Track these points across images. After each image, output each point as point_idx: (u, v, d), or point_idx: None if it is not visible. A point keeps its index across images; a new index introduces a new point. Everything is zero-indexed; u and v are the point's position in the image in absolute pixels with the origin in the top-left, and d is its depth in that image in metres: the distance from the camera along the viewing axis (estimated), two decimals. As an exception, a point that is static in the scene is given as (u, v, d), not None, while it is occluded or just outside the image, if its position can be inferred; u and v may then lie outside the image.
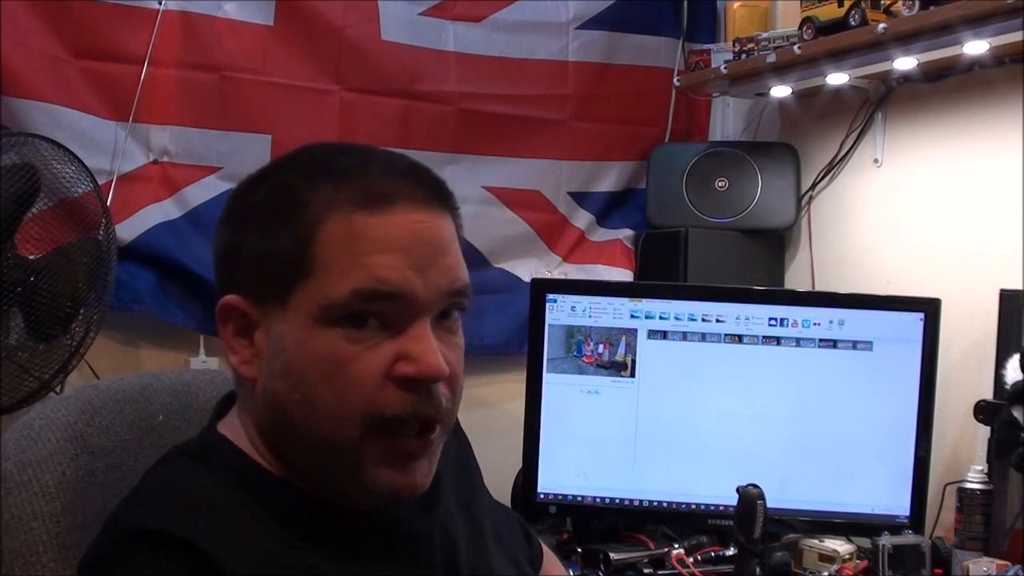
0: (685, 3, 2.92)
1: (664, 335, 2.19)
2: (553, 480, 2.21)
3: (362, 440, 0.95)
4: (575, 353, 2.20)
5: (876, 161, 2.53)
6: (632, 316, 2.19)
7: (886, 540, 1.98)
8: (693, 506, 2.19)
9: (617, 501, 2.20)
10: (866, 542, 2.07)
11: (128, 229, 2.30)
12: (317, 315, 0.94)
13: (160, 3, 2.33)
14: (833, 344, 2.17)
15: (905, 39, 2.13)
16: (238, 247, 0.99)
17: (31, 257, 1.96)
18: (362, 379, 0.94)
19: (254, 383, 0.99)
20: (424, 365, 0.94)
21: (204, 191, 2.41)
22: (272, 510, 0.96)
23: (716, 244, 2.66)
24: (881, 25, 2.11)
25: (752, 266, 2.68)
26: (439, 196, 1.00)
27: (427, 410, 0.96)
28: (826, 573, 2.06)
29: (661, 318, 2.19)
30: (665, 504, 2.19)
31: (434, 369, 0.95)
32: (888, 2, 2.14)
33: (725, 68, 2.51)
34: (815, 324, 2.17)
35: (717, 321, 2.19)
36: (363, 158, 1.00)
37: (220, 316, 0.99)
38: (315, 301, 0.94)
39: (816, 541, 2.12)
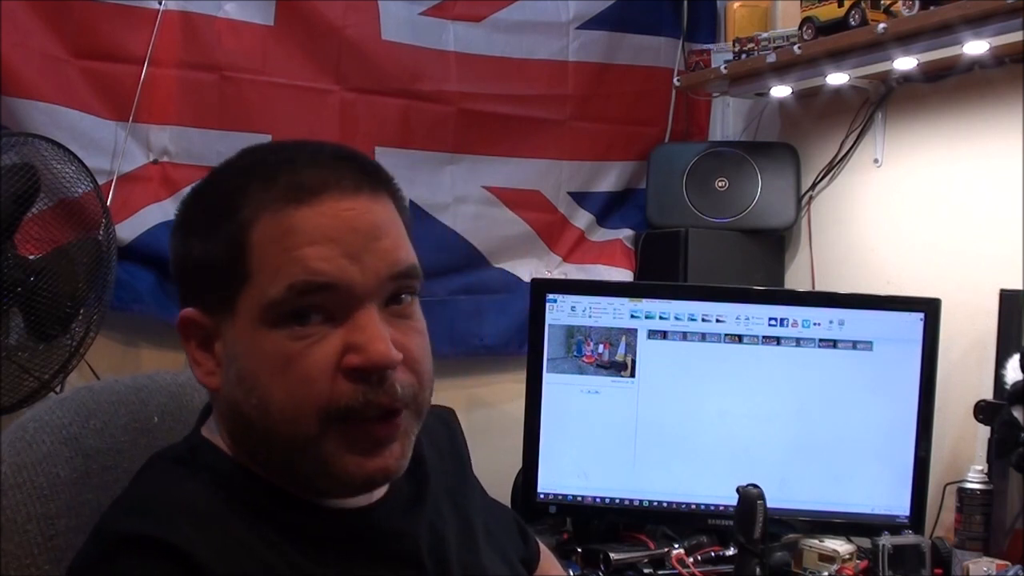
0: (685, 3, 2.92)
1: (664, 335, 2.19)
2: (553, 480, 2.21)
3: (322, 434, 0.94)
4: (575, 353, 2.20)
5: (876, 161, 2.53)
6: (632, 316, 2.19)
7: (886, 540, 1.98)
8: (693, 506, 2.19)
9: (617, 501, 2.20)
10: (866, 542, 2.07)
11: (128, 229, 2.30)
12: (260, 317, 0.94)
13: (160, 3, 2.33)
14: (833, 344, 2.17)
15: (905, 39, 2.13)
16: (185, 258, 0.99)
17: (31, 257, 1.96)
18: (312, 374, 0.93)
19: (217, 393, 1.00)
20: (371, 353, 0.93)
21: (204, 191, 2.41)
22: (255, 511, 0.96)
23: (716, 244, 2.66)
24: (881, 25, 2.10)
25: (752, 266, 2.68)
26: (369, 181, 0.98)
27: (381, 398, 0.95)
28: (826, 573, 2.06)
29: (661, 318, 2.19)
30: (665, 504, 2.19)
31: (381, 356, 0.93)
32: (888, 2, 2.14)
33: (725, 68, 2.51)
34: (815, 324, 2.17)
35: (717, 321, 2.18)
36: (289, 153, 0.99)
37: (181, 330, 0.99)
38: (256, 303, 0.94)
39: (816, 541, 2.12)
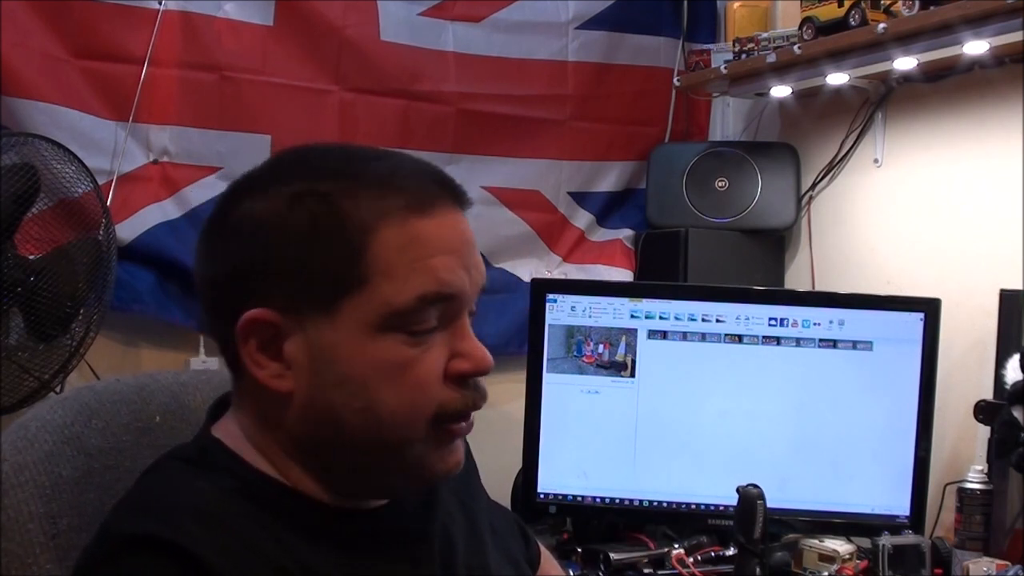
0: (685, 3, 2.92)
1: (664, 335, 2.19)
2: (553, 480, 2.21)
3: (426, 437, 0.97)
4: (575, 353, 2.20)
5: (876, 161, 2.53)
6: (632, 316, 2.19)
7: (886, 540, 1.98)
8: (693, 506, 2.19)
9: (617, 501, 2.20)
10: (866, 542, 2.07)
11: (128, 229, 2.30)
12: (376, 323, 0.94)
13: (160, 3, 2.33)
14: (833, 344, 2.17)
15: (905, 39, 2.13)
16: (262, 260, 0.96)
17: (31, 257, 1.96)
18: (427, 380, 0.97)
19: (288, 396, 0.97)
20: (478, 360, 0.99)
21: (204, 191, 2.41)
22: (269, 512, 0.96)
23: (716, 244, 2.66)
24: (881, 25, 2.11)
25: (752, 266, 2.68)
26: (461, 196, 1.02)
27: (479, 401, 1.00)
28: (826, 573, 2.06)
29: (661, 318, 2.19)
30: (665, 504, 2.19)
31: (487, 362, 1.00)
32: (888, 2, 2.14)
33: (725, 68, 2.51)
34: (815, 324, 2.17)
35: (717, 321, 2.18)
36: (392, 163, 1.00)
37: (242, 332, 0.96)
38: (374, 309, 0.94)
39: (816, 541, 2.12)
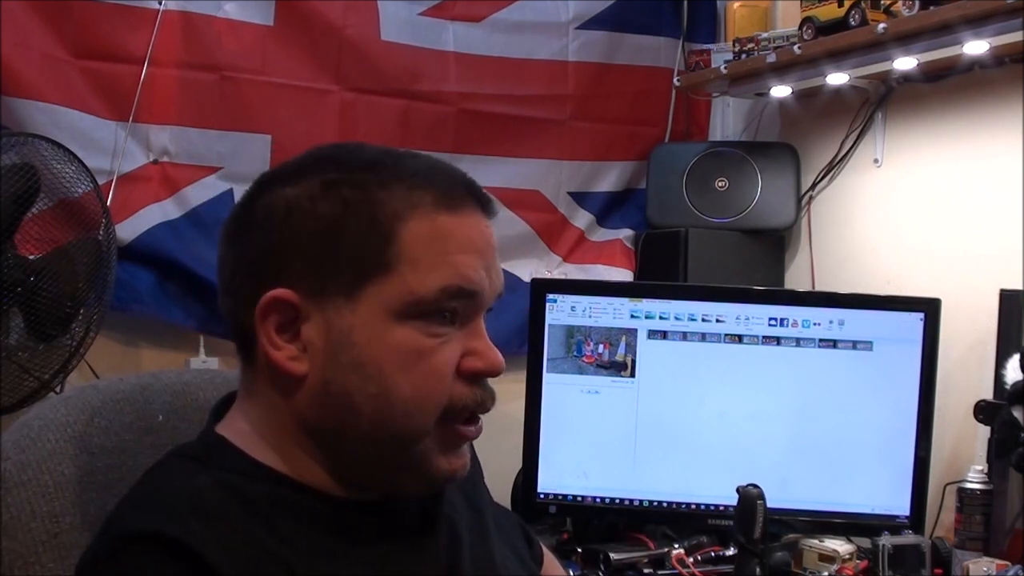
0: (685, 3, 2.92)
1: (664, 335, 2.19)
2: (553, 480, 2.21)
3: (431, 431, 0.99)
4: (575, 353, 2.20)
5: (876, 161, 2.53)
6: (632, 316, 2.19)
7: (886, 540, 1.98)
8: (693, 506, 2.19)
9: (617, 501, 2.20)
10: (866, 542, 2.07)
11: (128, 229, 2.30)
12: (398, 310, 0.96)
13: (160, 3, 2.32)
14: (833, 344, 2.17)
15: (905, 39, 2.13)
16: (290, 241, 0.98)
17: (31, 257, 1.95)
18: (441, 372, 0.98)
19: (301, 379, 0.98)
20: (491, 359, 1.01)
21: (204, 191, 2.41)
22: (273, 507, 0.96)
23: (716, 244, 2.66)
24: (881, 25, 2.11)
25: (752, 266, 2.68)
26: (490, 205, 1.05)
27: (487, 401, 1.02)
28: (826, 573, 2.06)
29: (661, 318, 2.19)
30: (665, 504, 2.19)
31: (499, 363, 1.01)
32: (888, 2, 2.14)
33: (725, 68, 2.51)
34: (815, 324, 2.17)
35: (717, 321, 2.19)
36: (424, 162, 1.03)
37: (263, 311, 0.97)
38: (396, 296, 0.96)
39: (816, 541, 2.12)
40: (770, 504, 1.87)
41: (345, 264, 0.96)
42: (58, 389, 2.00)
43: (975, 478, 2.07)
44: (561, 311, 2.20)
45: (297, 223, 0.97)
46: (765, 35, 2.45)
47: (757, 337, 2.18)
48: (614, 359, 2.20)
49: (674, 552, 2.12)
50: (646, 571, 2.10)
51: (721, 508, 2.16)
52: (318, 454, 1.00)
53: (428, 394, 0.98)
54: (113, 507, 1.00)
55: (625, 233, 2.89)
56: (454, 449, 1.02)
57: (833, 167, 2.63)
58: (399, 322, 0.96)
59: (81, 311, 2.02)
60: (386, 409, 0.97)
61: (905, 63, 2.27)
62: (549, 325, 2.20)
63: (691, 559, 2.11)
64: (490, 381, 1.03)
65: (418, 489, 1.03)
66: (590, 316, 2.20)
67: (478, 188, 1.04)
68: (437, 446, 1.00)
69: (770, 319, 2.18)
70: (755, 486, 1.88)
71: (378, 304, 0.96)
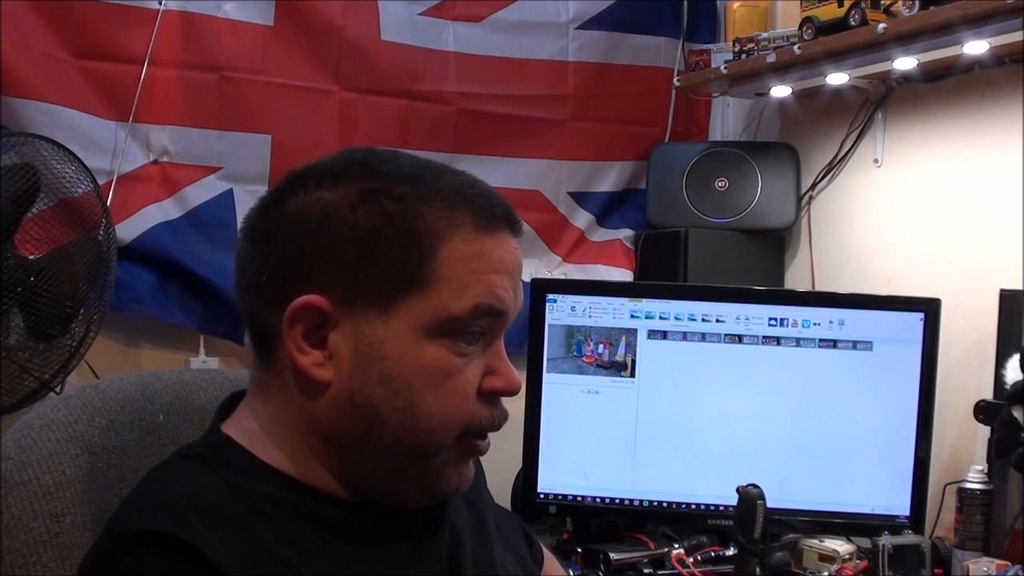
0: (685, 3, 2.92)
1: (664, 335, 2.19)
2: (553, 480, 2.21)
3: (451, 447, 1.01)
4: (575, 353, 2.20)
5: (876, 161, 2.53)
6: (632, 316, 2.19)
7: (886, 540, 1.98)
8: (693, 506, 2.19)
9: (617, 501, 2.20)
10: (866, 542, 2.07)
11: (128, 229, 2.29)
12: (431, 326, 0.97)
13: (160, 3, 2.32)
14: (833, 344, 2.17)
15: (905, 39, 2.13)
16: (327, 248, 0.97)
17: (31, 257, 1.95)
18: (465, 390, 1.00)
19: (325, 386, 0.98)
20: (510, 380, 1.03)
21: (204, 191, 2.41)
22: (276, 507, 0.96)
23: (716, 244, 2.66)
24: (881, 25, 2.11)
25: (752, 266, 2.68)
26: (518, 225, 1.05)
27: (501, 421, 1.04)
28: (826, 573, 2.06)
29: (661, 318, 2.19)
30: (665, 504, 2.19)
31: (518, 384, 1.04)
32: (888, 2, 2.14)
33: (725, 68, 2.51)
34: (815, 324, 2.17)
35: (717, 321, 2.18)
36: (462, 180, 1.03)
37: (291, 316, 0.97)
38: (431, 312, 0.97)
39: (816, 541, 2.12)
40: (770, 504, 1.87)
41: (381, 276, 0.96)
42: (58, 389, 2.00)
43: (975, 478, 2.07)
44: (561, 311, 2.20)
45: (334, 229, 0.97)
46: (765, 35, 2.45)
47: (757, 337, 2.18)
48: (614, 359, 2.20)
49: (674, 552, 2.12)
50: (646, 571, 2.10)
51: (721, 508, 2.16)
52: (331, 460, 1.00)
53: (453, 412, 0.99)
54: (115, 507, 1.00)
55: (625, 233, 2.89)
56: (465, 463, 1.04)
57: (833, 167, 2.64)
58: (430, 339, 0.97)
59: (81, 311, 2.02)
60: (411, 424, 0.97)
61: (905, 63, 2.27)
62: (549, 325, 2.20)
63: (691, 559, 2.11)
64: None
65: (423, 500, 1.03)
66: (590, 316, 2.20)
67: (511, 210, 1.04)
68: (452, 459, 1.02)
69: (770, 319, 2.18)
70: (755, 486, 1.87)
71: (412, 319, 0.97)
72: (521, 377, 1.05)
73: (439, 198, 0.99)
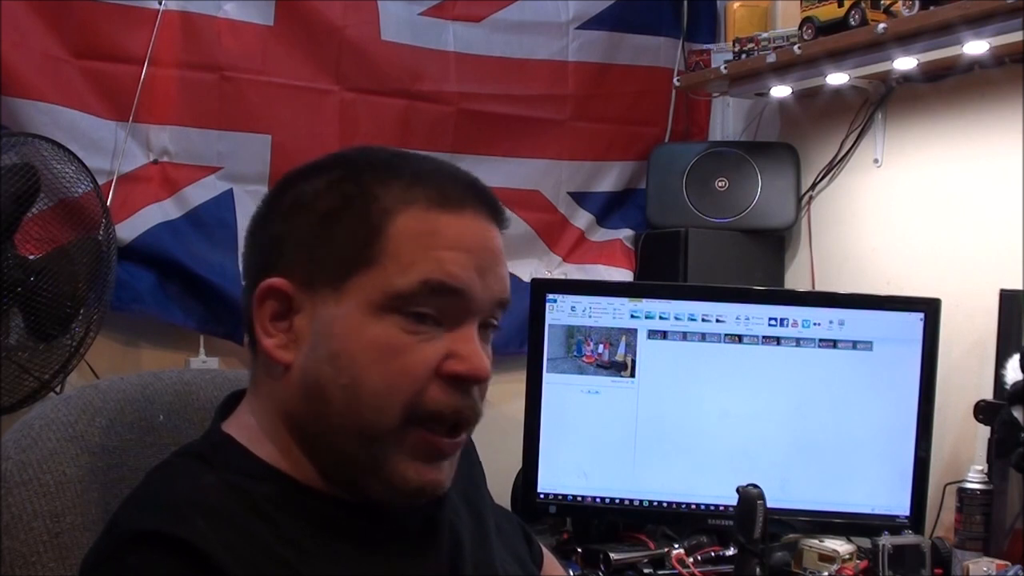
0: (685, 3, 2.92)
1: (664, 335, 2.19)
2: (553, 480, 2.21)
3: (399, 430, 0.96)
4: (575, 353, 2.20)
5: (876, 161, 2.53)
6: (632, 316, 2.19)
7: (886, 540, 1.99)
8: (693, 506, 2.19)
9: (617, 501, 2.20)
10: (866, 542, 2.07)
11: (128, 229, 2.29)
12: (378, 303, 0.96)
13: (160, 3, 2.32)
14: (833, 344, 2.17)
15: (905, 39, 2.13)
16: (288, 232, 1.00)
17: (31, 257, 1.95)
18: (414, 369, 0.96)
19: (287, 368, 0.99)
20: (474, 364, 0.98)
21: (204, 191, 2.41)
22: (276, 507, 0.96)
23: (716, 244, 2.66)
24: (881, 25, 2.11)
25: (752, 266, 2.68)
26: (499, 212, 1.04)
27: (465, 409, 0.99)
28: (826, 573, 2.06)
29: (661, 318, 2.19)
30: (665, 504, 2.19)
31: (482, 370, 0.98)
32: (888, 2, 2.15)
33: (725, 68, 2.51)
34: (815, 324, 2.17)
35: (717, 321, 2.18)
36: (432, 163, 1.03)
37: (259, 298, 0.99)
38: (378, 289, 0.96)
39: (816, 541, 2.12)
40: (770, 504, 1.87)
41: (334, 256, 0.97)
42: (58, 389, 2.00)
43: (975, 478, 2.07)
44: (561, 311, 2.20)
45: (299, 216, 0.99)
46: (765, 35, 2.45)
47: (757, 337, 2.18)
48: (614, 359, 2.20)
49: (674, 552, 2.12)
50: (646, 571, 2.10)
51: (721, 508, 2.16)
52: (305, 449, 1.00)
53: (396, 390, 0.96)
54: (115, 507, 1.00)
55: (625, 233, 2.89)
56: (427, 460, 0.99)
57: (833, 167, 2.64)
58: (378, 316, 0.96)
59: (81, 311, 2.02)
60: (354, 401, 0.96)
61: (905, 63, 2.27)
62: (549, 325, 2.20)
63: (691, 559, 2.11)
64: (491, 381, 1.02)
65: (388, 497, 1.00)
66: (590, 316, 2.20)
67: (486, 192, 1.03)
68: (406, 452, 0.97)
69: (770, 319, 2.18)
70: (755, 486, 1.87)
71: (360, 297, 0.96)
72: (489, 364, 0.99)
73: (398, 179, 0.99)
